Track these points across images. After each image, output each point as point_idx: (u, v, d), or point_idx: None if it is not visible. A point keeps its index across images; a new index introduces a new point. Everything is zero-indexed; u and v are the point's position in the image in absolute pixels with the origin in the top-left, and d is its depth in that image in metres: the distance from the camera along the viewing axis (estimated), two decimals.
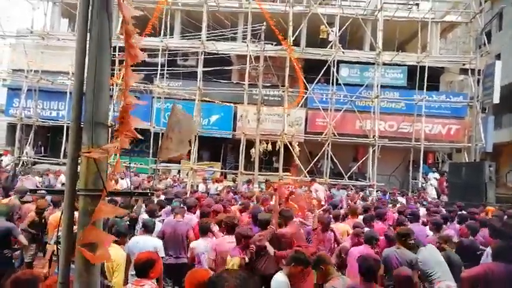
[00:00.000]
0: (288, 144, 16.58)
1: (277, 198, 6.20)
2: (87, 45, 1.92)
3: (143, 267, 3.37)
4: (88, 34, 1.92)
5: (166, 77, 17.84)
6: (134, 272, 4.68)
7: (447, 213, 8.28)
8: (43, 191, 4.82)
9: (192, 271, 3.35)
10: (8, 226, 5.17)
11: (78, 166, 1.94)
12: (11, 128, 19.25)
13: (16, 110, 18.62)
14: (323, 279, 3.65)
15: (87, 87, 1.91)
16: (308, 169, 16.59)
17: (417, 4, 19.86)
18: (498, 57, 21.15)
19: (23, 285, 2.62)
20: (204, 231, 5.19)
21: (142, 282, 3.27)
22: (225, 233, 5.14)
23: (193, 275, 3.01)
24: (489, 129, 16.55)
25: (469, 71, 17.39)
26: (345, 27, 17.53)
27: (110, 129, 2.00)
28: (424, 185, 16.51)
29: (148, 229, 5.16)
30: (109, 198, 1.92)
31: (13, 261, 5.34)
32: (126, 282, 4.21)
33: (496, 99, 16.11)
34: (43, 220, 6.14)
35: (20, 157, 17.46)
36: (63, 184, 10.63)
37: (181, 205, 6.90)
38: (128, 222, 5.78)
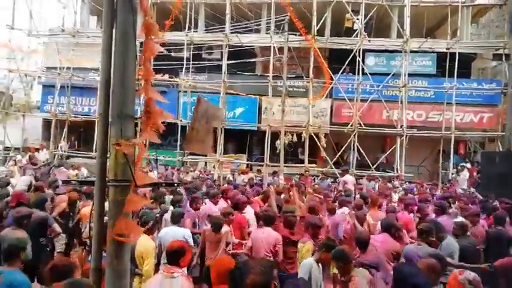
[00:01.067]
0: (314, 136, 16.46)
1: (294, 191, 6.42)
2: (113, 40, 1.99)
3: (174, 255, 3.47)
4: (114, 29, 1.99)
5: (192, 71, 18.04)
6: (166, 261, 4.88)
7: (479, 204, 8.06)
8: (75, 183, 5.01)
9: (219, 259, 3.44)
10: (42, 215, 5.45)
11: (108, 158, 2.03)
12: (46, 123, 20.09)
13: (50, 106, 19.40)
14: (344, 274, 3.58)
15: (113, 80, 1.99)
16: (334, 160, 16.44)
17: None
18: None
19: (60, 272, 2.76)
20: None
21: (172, 269, 3.36)
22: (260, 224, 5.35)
23: (221, 263, 3.10)
24: None
25: (503, 56, 16.63)
26: (370, 14, 17.10)
27: (138, 122, 2.08)
28: (454, 176, 15.99)
29: (175, 219, 5.32)
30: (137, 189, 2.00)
31: (48, 249, 5.61)
32: (157, 270, 4.37)
33: None
34: (74, 211, 6.41)
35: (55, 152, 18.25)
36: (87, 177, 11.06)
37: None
38: (158, 214, 5.97)
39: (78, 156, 18.18)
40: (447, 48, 16.92)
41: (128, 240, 1.93)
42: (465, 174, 15.39)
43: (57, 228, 5.55)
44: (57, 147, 18.75)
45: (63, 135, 18.78)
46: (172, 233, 5.06)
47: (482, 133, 18.02)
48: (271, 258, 4.81)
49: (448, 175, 16.47)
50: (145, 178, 2.06)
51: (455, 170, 16.28)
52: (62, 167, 12.97)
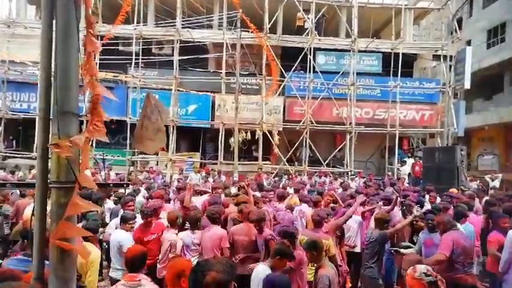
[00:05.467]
0: (267, 133, 16.62)
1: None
2: (54, 32, 1.84)
3: (138, 261, 3.35)
4: (54, 20, 1.84)
5: (142, 66, 17.43)
6: None
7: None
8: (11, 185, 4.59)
9: (174, 261, 3.36)
10: None
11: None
12: None
13: None
14: (315, 262, 3.84)
15: (54, 75, 1.84)
16: (287, 157, 16.72)
17: None
18: (469, 43, 21.80)
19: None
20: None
21: (137, 276, 3.22)
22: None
23: (175, 264, 3.02)
24: (461, 114, 17.07)
25: (441, 57, 17.81)
26: (320, 13, 17.54)
27: (84, 121, 1.94)
28: (399, 170, 16.94)
29: (122, 222, 5.08)
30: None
31: None
32: None
33: (467, 84, 16.61)
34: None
35: None
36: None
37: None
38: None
39: (17, 157, 16.93)
40: (391, 49, 17.81)
41: (69, 246, 1.80)
42: (405, 168, 16.38)
43: None
44: None
45: None
46: (121, 236, 4.87)
47: (423, 129, 19.21)
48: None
49: (393, 169, 17.39)
50: (90, 179, 1.94)
51: (399, 164, 17.24)
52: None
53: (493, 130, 21.36)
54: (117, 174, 13.47)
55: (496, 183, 13.52)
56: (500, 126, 20.65)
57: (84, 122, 1.96)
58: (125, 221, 5.03)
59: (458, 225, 5.30)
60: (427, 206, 7.11)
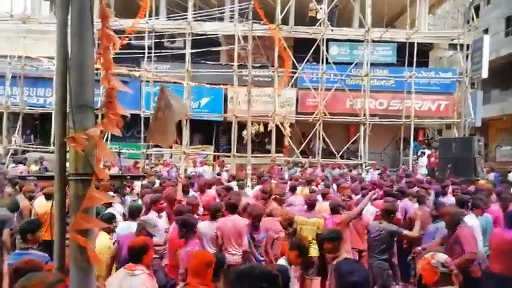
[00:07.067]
0: (280, 125, 16.57)
1: None
2: (68, 26, 1.86)
3: (136, 252, 3.37)
4: (69, 14, 1.86)
5: (154, 60, 17.51)
6: None
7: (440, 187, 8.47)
8: (33, 177, 4.68)
9: (197, 251, 3.42)
10: (7, 215, 5.14)
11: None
12: None
13: (1, 98, 18.21)
14: (332, 253, 3.80)
15: (70, 69, 1.86)
16: (300, 149, 16.66)
17: None
18: (486, 31, 21.23)
19: (25, 273, 2.61)
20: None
21: (134, 267, 3.27)
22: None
23: (200, 254, 3.08)
24: (478, 104, 16.71)
25: (458, 46, 17.40)
26: (333, 4, 17.29)
27: (99, 114, 1.96)
28: (416, 161, 16.71)
29: (133, 214, 5.01)
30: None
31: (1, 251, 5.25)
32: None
33: (485, 73, 16.23)
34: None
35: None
36: None
37: None
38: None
39: (36, 151, 17.28)
40: (406, 38, 17.44)
41: (84, 242, 1.82)
42: (423, 160, 16.14)
43: (5, 234, 5.18)
44: (11, 142, 17.72)
45: (17, 129, 17.76)
46: (130, 229, 4.69)
47: (439, 120, 18.87)
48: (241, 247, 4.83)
49: (408, 161, 17.17)
50: (107, 172, 1.96)
51: (415, 156, 16.99)
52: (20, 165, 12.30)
53: (511, 120, 20.85)
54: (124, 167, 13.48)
55: None
56: None
57: (100, 115, 1.98)
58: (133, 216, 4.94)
59: (472, 215, 5.28)
60: (451, 198, 7.11)
